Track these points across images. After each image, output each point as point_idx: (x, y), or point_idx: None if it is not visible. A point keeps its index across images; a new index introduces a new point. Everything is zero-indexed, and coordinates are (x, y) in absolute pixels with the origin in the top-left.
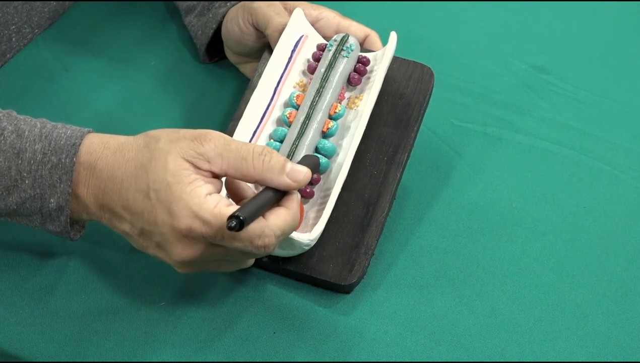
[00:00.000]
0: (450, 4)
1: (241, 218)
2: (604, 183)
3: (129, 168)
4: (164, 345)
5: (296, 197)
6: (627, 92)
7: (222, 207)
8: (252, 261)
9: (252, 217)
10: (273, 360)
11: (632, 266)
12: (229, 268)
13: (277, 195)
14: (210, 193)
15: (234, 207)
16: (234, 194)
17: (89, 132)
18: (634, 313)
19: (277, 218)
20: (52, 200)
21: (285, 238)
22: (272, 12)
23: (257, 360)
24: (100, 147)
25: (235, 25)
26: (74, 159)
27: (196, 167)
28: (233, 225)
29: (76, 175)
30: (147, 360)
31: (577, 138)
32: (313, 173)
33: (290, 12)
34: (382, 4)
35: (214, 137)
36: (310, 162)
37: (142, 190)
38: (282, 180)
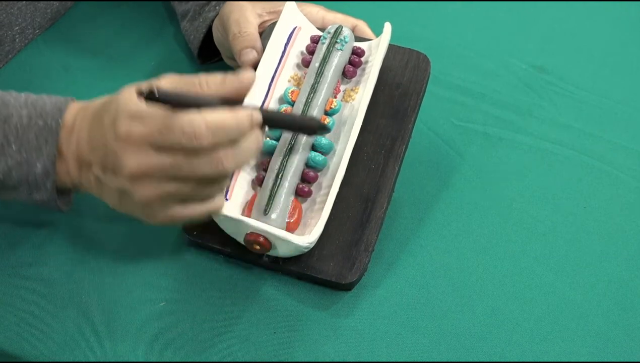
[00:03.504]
0: (450, 3)
1: (152, 90)
2: (604, 183)
3: (95, 115)
4: (164, 345)
5: (248, 111)
6: (627, 92)
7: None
8: (216, 203)
9: (173, 96)
10: (273, 360)
11: (632, 266)
12: (190, 209)
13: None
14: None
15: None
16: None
17: (72, 100)
18: (633, 313)
19: (212, 113)
20: (38, 165)
21: (284, 241)
22: (232, 19)
23: (257, 360)
24: (82, 111)
25: (216, 29)
26: (60, 120)
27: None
28: (143, 91)
29: (60, 137)
30: (147, 360)
31: (577, 138)
32: (325, 130)
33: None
34: (381, 3)
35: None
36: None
37: (102, 124)
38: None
